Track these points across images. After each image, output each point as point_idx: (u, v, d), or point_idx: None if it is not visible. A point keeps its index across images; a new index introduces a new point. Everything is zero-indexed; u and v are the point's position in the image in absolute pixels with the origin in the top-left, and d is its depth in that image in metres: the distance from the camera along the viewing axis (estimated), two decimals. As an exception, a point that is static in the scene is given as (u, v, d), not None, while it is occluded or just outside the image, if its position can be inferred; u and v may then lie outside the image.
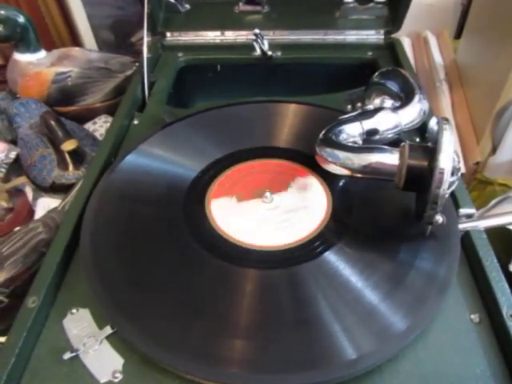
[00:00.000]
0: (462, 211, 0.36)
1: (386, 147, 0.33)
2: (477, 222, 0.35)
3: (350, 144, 0.35)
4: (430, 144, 0.32)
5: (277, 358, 0.27)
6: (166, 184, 0.38)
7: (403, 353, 0.29)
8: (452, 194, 0.37)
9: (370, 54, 0.57)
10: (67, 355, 0.28)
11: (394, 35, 0.59)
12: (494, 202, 0.57)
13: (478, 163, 0.67)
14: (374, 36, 0.58)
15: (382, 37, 0.59)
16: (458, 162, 0.31)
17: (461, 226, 0.35)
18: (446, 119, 0.30)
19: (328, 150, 0.34)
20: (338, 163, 0.33)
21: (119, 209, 0.36)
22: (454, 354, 0.29)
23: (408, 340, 0.28)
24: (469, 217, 0.36)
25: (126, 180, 0.39)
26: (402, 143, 0.32)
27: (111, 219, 0.35)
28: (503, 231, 0.46)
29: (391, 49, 0.58)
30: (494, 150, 0.66)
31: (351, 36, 0.59)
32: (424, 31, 0.84)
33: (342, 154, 0.33)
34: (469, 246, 0.34)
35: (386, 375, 0.28)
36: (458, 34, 0.87)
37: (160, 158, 0.41)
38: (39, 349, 0.29)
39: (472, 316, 0.31)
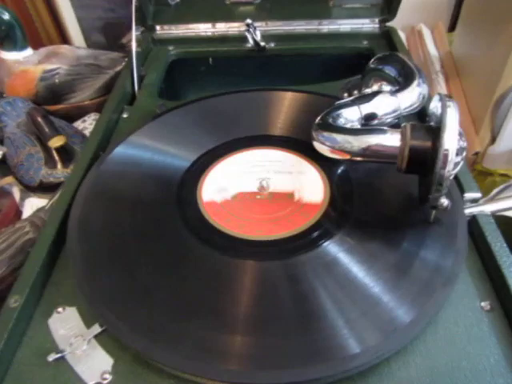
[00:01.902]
0: (468, 196, 0.35)
1: (386, 128, 0.31)
2: (483, 207, 0.33)
3: (348, 126, 0.33)
4: (432, 124, 0.30)
5: (277, 353, 0.25)
6: (158, 175, 0.37)
7: (412, 345, 0.27)
8: (456, 179, 0.36)
9: (365, 43, 0.56)
10: (52, 356, 0.26)
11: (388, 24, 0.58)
12: (495, 190, 0.55)
13: (477, 153, 0.66)
14: (369, 25, 0.57)
15: (378, 25, 0.57)
16: (464, 141, 0.29)
17: (467, 211, 0.33)
18: (450, 96, 0.29)
19: (325, 134, 0.33)
20: (337, 147, 0.32)
21: (108, 202, 0.34)
22: (466, 344, 0.27)
23: (414, 332, 0.26)
24: (474, 201, 0.35)
25: (116, 172, 0.37)
26: (404, 123, 0.30)
27: (100, 213, 0.34)
28: (506, 221, 0.45)
29: (387, 37, 0.56)
30: (493, 140, 0.65)
31: (346, 25, 0.57)
32: (418, 24, 0.84)
33: (340, 137, 0.32)
34: (476, 231, 0.32)
35: (395, 368, 0.26)
36: (452, 27, 0.87)
37: (151, 149, 0.39)
38: (23, 351, 0.28)
39: (483, 304, 0.29)
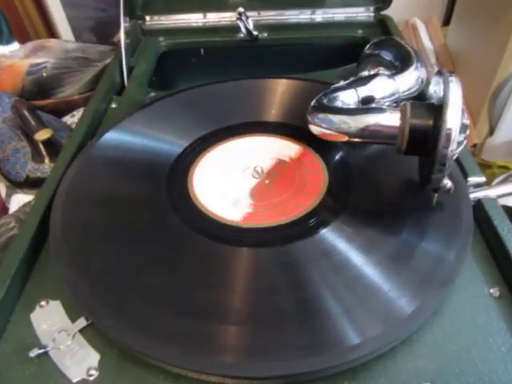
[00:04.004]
0: (471, 180, 0.33)
1: (384, 107, 0.30)
2: (488, 190, 0.32)
3: (344, 107, 0.32)
4: (434, 101, 0.29)
5: (274, 344, 0.24)
6: (148, 161, 0.35)
7: (417, 334, 0.26)
8: (459, 163, 0.34)
9: (360, 32, 0.55)
10: (34, 352, 0.25)
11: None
12: (497, 180, 0.54)
13: (475, 145, 0.65)
14: (363, 13, 0.56)
15: (372, 14, 0.56)
16: (467, 119, 0.28)
17: (471, 196, 0.32)
18: (451, 72, 0.27)
19: (321, 115, 0.31)
20: (333, 128, 0.30)
21: (95, 189, 0.33)
22: (475, 333, 0.26)
23: (417, 322, 0.25)
24: (478, 186, 0.33)
25: (104, 158, 0.35)
26: (403, 102, 0.29)
27: (86, 200, 0.32)
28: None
29: (382, 26, 0.55)
30: (491, 132, 0.64)
31: (340, 14, 0.56)
32: (412, 18, 0.83)
33: (336, 118, 0.30)
34: (482, 216, 0.31)
35: (400, 360, 0.25)
36: (447, 21, 0.86)
37: (142, 135, 0.37)
38: (3, 347, 0.26)
39: (491, 290, 0.28)
